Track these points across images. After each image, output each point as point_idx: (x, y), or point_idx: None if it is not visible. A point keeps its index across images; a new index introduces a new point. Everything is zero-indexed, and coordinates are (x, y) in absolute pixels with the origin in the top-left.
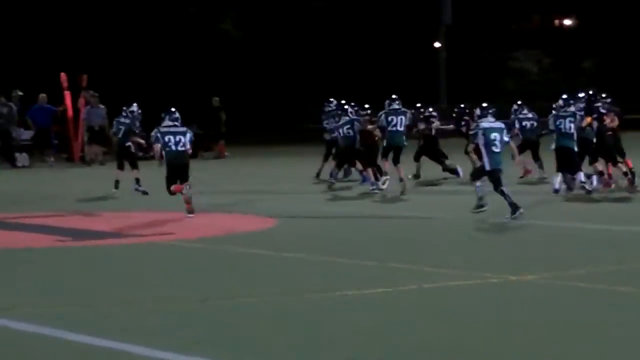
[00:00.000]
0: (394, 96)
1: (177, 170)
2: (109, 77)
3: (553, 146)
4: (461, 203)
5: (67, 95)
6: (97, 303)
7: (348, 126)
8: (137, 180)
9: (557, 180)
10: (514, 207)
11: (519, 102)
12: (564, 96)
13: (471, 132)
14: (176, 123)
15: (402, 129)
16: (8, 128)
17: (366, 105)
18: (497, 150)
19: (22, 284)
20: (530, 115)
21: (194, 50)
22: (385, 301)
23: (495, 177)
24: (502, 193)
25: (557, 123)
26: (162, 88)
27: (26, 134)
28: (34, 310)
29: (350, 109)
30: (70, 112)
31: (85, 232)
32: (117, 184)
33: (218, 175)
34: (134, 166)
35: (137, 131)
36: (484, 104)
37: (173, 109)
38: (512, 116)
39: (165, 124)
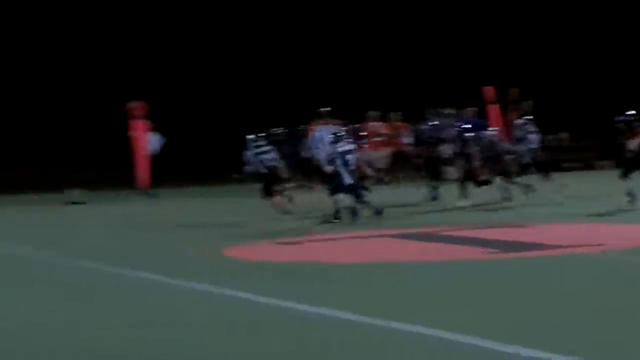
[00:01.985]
0: None
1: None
2: (533, 90)
3: None
4: None
5: (492, 109)
6: (508, 312)
7: None
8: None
9: None
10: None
11: None
12: None
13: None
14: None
15: None
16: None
17: None
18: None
19: (452, 297)
20: None
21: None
22: None
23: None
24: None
25: None
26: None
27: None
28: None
29: None
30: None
31: (512, 244)
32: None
33: None
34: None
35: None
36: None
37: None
38: None
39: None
